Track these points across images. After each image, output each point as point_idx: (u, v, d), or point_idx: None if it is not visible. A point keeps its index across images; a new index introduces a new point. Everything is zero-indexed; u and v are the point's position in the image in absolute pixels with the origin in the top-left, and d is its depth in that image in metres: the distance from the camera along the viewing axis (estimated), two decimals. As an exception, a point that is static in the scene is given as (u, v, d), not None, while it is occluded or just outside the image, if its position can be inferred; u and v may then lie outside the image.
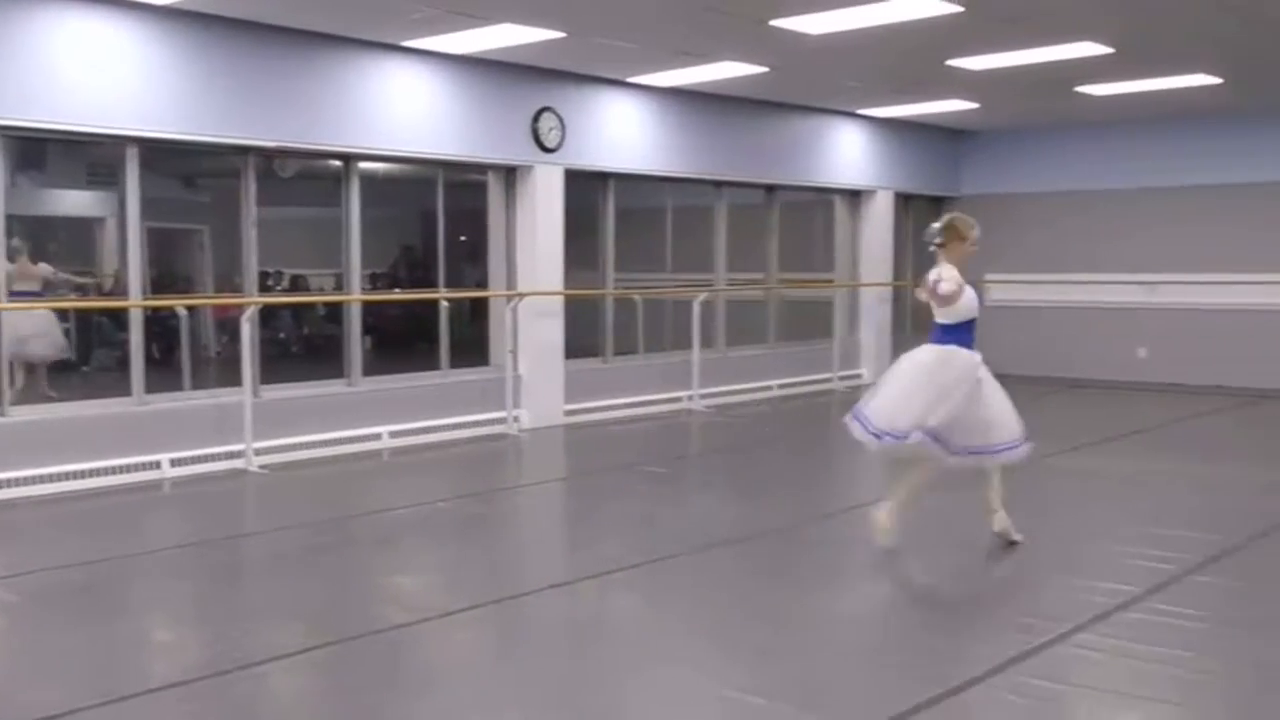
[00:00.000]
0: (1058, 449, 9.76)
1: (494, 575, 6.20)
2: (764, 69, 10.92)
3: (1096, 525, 7.23)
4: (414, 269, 16.62)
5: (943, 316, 6.15)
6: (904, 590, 6.01)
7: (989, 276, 15.81)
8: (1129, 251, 14.59)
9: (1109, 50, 9.93)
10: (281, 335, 16.04)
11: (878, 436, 6.11)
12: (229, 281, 12.58)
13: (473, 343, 11.67)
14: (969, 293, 6.15)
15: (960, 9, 8.42)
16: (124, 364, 9.37)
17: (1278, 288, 13.49)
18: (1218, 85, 11.69)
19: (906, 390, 6.12)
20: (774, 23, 8.90)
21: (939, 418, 5.92)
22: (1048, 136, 15.17)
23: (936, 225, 6.31)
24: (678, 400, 12.43)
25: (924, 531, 7.25)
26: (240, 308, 9.24)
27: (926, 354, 6.20)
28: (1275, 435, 11.15)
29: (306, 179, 14.75)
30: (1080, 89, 11.97)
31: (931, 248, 6.27)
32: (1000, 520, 6.43)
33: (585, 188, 11.94)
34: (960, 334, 6.16)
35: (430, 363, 10.86)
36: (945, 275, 6.05)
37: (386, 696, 4.36)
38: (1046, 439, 10.22)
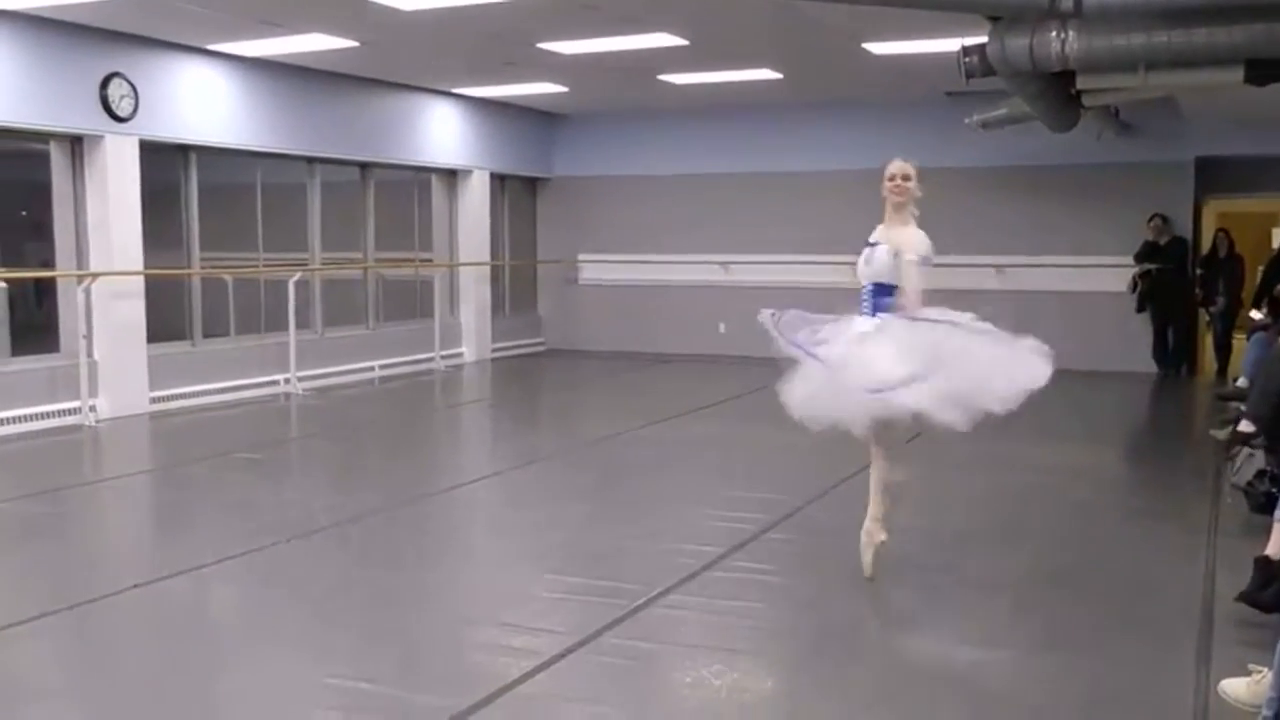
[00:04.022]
0: (645, 421, 10.31)
1: (67, 579, 5.71)
2: (355, 43, 10.70)
3: (683, 491, 7.71)
4: (-36, 246, 14.93)
5: None
6: (500, 568, 6.13)
7: (581, 256, 16.43)
8: (708, 233, 15.58)
9: (684, 42, 10.55)
10: None
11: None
12: None
13: (41, 327, 10.66)
14: (867, 253, 5.58)
15: (545, -8, 8.65)
16: None
17: (831, 267, 14.88)
18: (779, 80, 12.72)
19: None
20: (365, -4, 8.75)
21: None
22: (635, 122, 15.88)
23: None
24: (275, 383, 11.98)
25: (511, 510, 7.44)
26: None
27: None
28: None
29: None
30: (662, 77, 12.64)
31: None
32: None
33: (166, 161, 11.21)
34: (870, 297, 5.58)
35: (-12, 350, 9.83)
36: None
37: (-56, 723, 3.94)
38: (634, 412, 10.83)
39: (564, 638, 4.72)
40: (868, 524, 5.60)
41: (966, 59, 8.57)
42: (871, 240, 5.62)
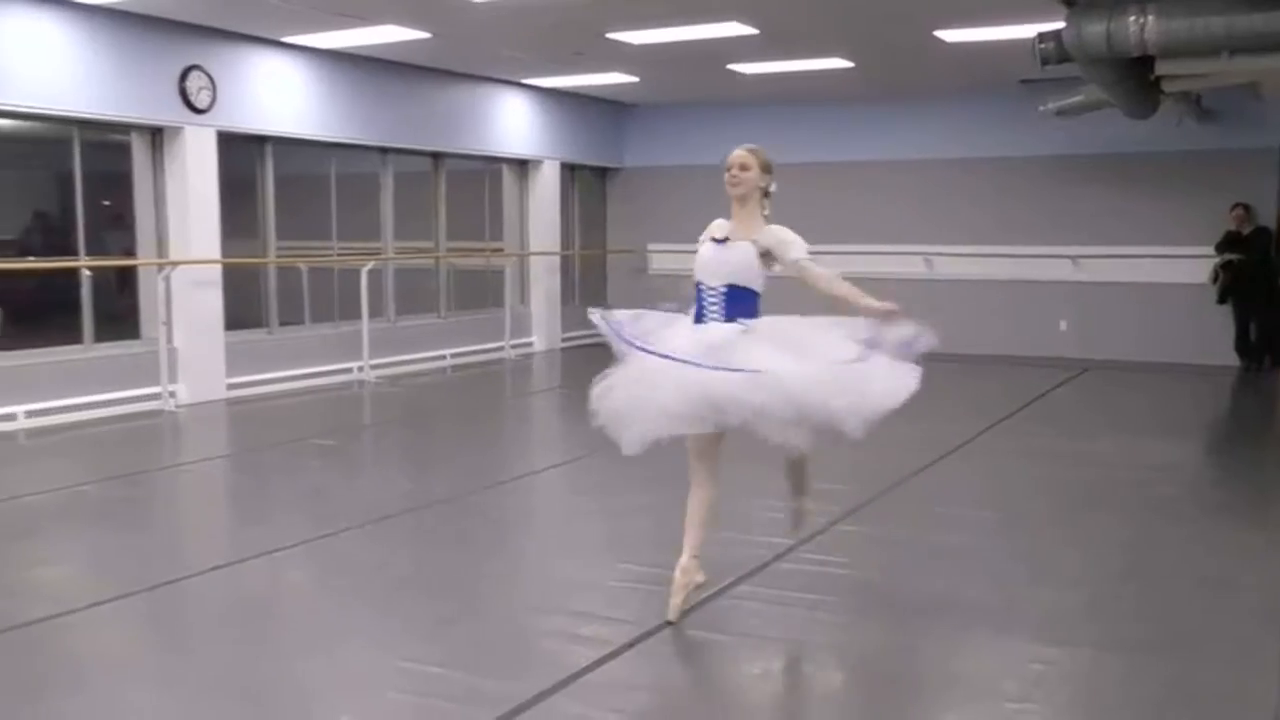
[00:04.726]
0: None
1: (147, 560, 5.85)
2: (427, 34, 10.80)
3: (754, 481, 7.65)
4: (50, 236, 15.31)
5: None
6: (570, 556, 6.16)
7: (651, 246, 16.44)
8: (779, 223, 15.45)
9: (754, 31, 10.50)
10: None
11: None
12: None
13: (122, 315, 10.91)
14: (714, 251, 5.02)
15: (614, -19, 8.65)
16: None
17: (902, 258, 14.75)
18: (850, 69, 12.60)
19: None
20: (438, -13, 8.82)
21: None
22: (706, 112, 15.80)
23: None
24: (348, 371, 12.16)
25: (581, 498, 7.46)
26: None
27: None
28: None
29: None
30: (732, 67, 12.59)
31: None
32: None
33: (243, 152, 11.40)
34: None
35: (72, 336, 10.07)
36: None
37: (27, 698, 4.06)
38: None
39: (633, 627, 4.74)
40: (684, 561, 4.84)
41: (1042, 45, 8.44)
42: (717, 236, 5.01)
